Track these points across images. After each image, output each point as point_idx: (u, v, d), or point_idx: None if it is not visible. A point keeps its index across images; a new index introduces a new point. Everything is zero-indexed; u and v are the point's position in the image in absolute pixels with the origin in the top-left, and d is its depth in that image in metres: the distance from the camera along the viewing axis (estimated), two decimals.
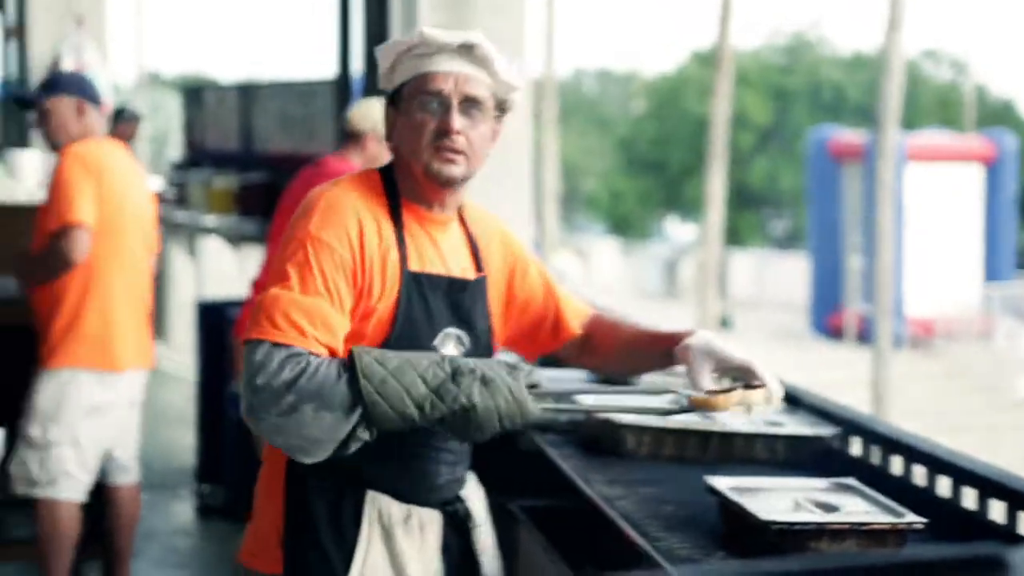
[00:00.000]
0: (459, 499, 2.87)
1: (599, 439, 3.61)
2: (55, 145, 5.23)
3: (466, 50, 2.66)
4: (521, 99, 2.80)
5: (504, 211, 7.32)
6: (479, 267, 2.80)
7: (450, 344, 2.70)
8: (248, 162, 9.10)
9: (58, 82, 5.30)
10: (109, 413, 5.19)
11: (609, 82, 52.76)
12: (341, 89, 8.17)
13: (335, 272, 2.54)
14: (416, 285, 2.65)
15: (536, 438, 3.74)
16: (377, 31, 7.50)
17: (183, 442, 8.22)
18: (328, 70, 8.21)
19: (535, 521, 3.58)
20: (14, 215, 5.83)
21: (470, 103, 2.65)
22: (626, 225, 41.97)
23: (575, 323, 2.98)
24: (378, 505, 2.68)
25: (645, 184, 41.31)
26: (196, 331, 7.41)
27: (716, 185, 21.97)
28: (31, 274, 5.12)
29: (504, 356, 3.02)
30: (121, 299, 5.18)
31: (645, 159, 41.05)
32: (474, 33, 2.67)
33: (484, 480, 4.21)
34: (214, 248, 10.68)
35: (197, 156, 10.08)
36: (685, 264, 36.74)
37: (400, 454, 2.69)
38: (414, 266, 2.65)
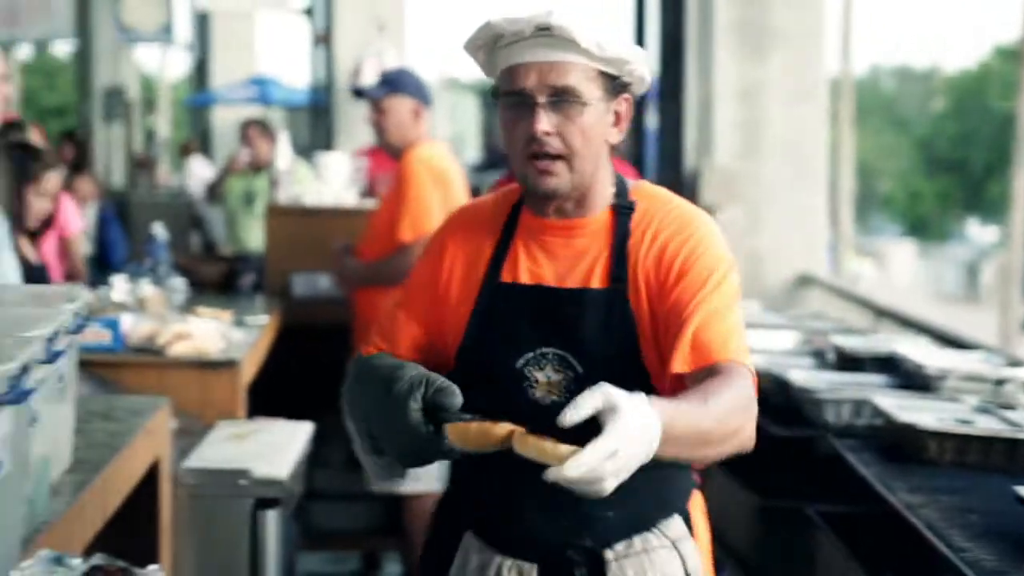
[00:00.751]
0: (584, 549, 2.30)
1: (900, 445, 3.54)
2: (388, 145, 5.24)
3: (544, 33, 2.23)
4: (646, 72, 2.33)
5: (799, 213, 7.26)
6: (614, 276, 2.29)
7: (548, 367, 2.27)
8: None
9: (398, 80, 5.23)
10: None
11: (908, 79, 51.35)
12: None
13: (419, 281, 2.41)
14: (497, 297, 2.32)
15: (835, 443, 3.69)
16: (672, 31, 7.50)
17: None
18: (651, 70, 8.24)
19: (833, 527, 3.53)
20: (322, 216, 6.06)
21: (560, 96, 2.22)
22: (924, 227, 40.81)
23: (679, 361, 2.18)
24: (466, 547, 2.37)
25: (944, 184, 40.11)
26: None
27: (1021, 185, 21.14)
28: (366, 279, 5.17)
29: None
30: None
31: (945, 158, 39.85)
32: (551, 9, 2.22)
33: (781, 484, 4.19)
34: None
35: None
36: (986, 267, 35.50)
37: (490, 491, 2.34)
38: (506, 277, 2.33)
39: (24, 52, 30.05)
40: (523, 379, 2.27)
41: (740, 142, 7.29)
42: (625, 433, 1.80)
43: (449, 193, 5.05)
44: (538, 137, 2.22)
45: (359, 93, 5.64)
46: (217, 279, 5.94)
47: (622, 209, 2.33)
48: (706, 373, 2.14)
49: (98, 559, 1.93)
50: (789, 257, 7.29)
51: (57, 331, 2.10)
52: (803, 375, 4.22)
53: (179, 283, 5.73)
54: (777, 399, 4.23)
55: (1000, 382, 3.85)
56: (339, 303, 5.51)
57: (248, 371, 4.33)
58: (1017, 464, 3.42)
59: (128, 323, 4.29)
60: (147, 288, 5.09)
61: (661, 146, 7.99)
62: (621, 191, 2.36)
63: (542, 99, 2.22)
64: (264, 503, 3.41)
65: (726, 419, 2.05)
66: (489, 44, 2.30)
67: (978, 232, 43.09)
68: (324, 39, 13.39)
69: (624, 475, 1.82)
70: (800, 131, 7.34)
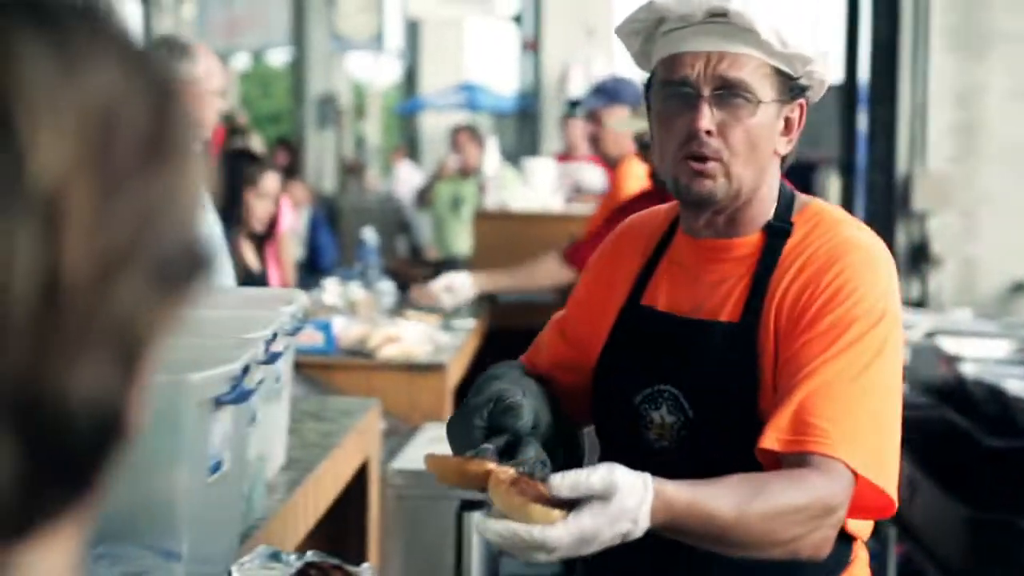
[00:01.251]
0: None
1: None
2: (605, 155, 5.16)
3: (718, 20, 1.94)
4: (827, 75, 2.04)
5: (1018, 218, 7.07)
6: (747, 309, 1.96)
7: (664, 407, 1.98)
8: None
9: (615, 90, 5.11)
10: None
11: None
12: (848, 94, 8.08)
13: (577, 295, 2.21)
14: (632, 322, 2.07)
15: None
16: (887, 34, 7.37)
17: None
18: (835, 74, 8.14)
19: None
20: (528, 221, 6.11)
21: (729, 90, 1.92)
22: None
23: (770, 437, 1.84)
24: None
25: None
26: None
27: None
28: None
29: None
30: None
31: None
32: None
33: (995, 496, 4.07)
34: None
35: None
36: None
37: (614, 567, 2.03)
38: (646, 300, 2.07)
39: (242, 61, 30.95)
40: (640, 417, 2.00)
41: (955, 146, 7.12)
42: (609, 519, 1.63)
43: None
44: (698, 135, 1.92)
45: (575, 104, 5.65)
46: (426, 283, 6.04)
47: (777, 232, 2.00)
48: (794, 461, 1.81)
49: (312, 555, 1.99)
50: (1005, 264, 7.09)
51: (276, 333, 2.17)
52: (1018, 384, 4.10)
53: (388, 287, 5.84)
54: (991, 408, 4.13)
55: None
56: (545, 306, 5.53)
57: (455, 374, 4.39)
58: None
59: (339, 326, 4.40)
60: (357, 291, 5.20)
61: (871, 150, 7.86)
62: (783, 211, 2.03)
63: (707, 92, 1.93)
64: (469, 505, 3.45)
65: (767, 526, 1.74)
66: (649, 29, 2.03)
67: None
68: (532, 46, 13.49)
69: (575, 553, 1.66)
70: (1019, 134, 7.13)
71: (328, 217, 16.47)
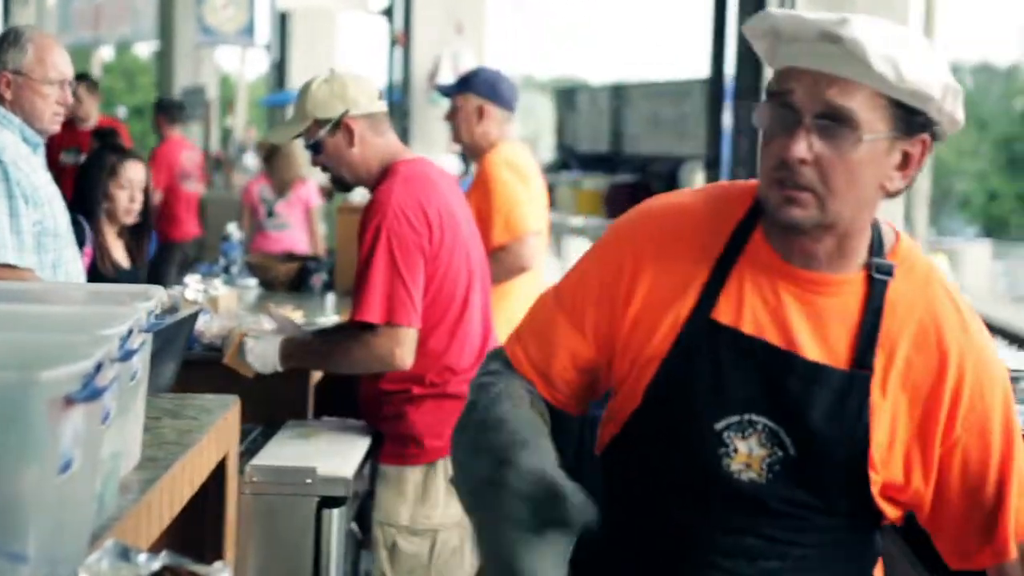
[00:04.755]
0: None
1: None
2: (461, 143, 5.32)
3: (833, 40, 1.81)
4: (958, 110, 1.90)
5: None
6: (859, 359, 1.90)
7: (753, 438, 1.92)
8: (617, 163, 9.23)
9: (469, 78, 5.31)
10: None
11: (989, 77, 50.71)
12: (714, 89, 8.18)
13: (592, 292, 2.05)
14: (708, 338, 1.94)
15: None
16: None
17: None
18: (701, 70, 8.24)
19: None
20: None
21: (833, 119, 1.81)
22: (1002, 228, 40.30)
23: (1013, 546, 1.94)
24: None
25: None
26: None
27: None
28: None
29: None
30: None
31: None
32: (848, 17, 1.80)
33: None
34: (579, 250, 10.88)
35: (567, 158, 10.28)
36: None
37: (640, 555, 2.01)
38: (722, 317, 1.94)
39: (106, 53, 30.42)
40: (720, 444, 1.92)
41: None
42: None
43: (531, 190, 5.10)
44: (791, 164, 1.84)
45: (441, 91, 5.73)
46: (289, 278, 6.00)
47: (879, 271, 1.92)
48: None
49: (165, 558, 1.96)
50: None
51: (131, 329, 2.14)
52: None
53: (251, 282, 5.79)
54: None
55: None
56: None
57: (317, 371, 4.37)
58: None
59: (201, 322, 4.35)
60: (219, 287, 5.15)
61: (735, 145, 7.95)
62: (877, 246, 1.95)
63: (808, 118, 1.83)
64: (329, 502, 3.45)
65: None
66: (769, 36, 1.92)
67: None
68: (402, 40, 13.45)
69: None
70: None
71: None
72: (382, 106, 3.84)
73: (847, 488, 1.91)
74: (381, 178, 3.76)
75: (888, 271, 1.92)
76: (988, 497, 1.92)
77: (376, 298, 3.59)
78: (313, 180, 9.48)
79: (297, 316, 4.83)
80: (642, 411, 1.98)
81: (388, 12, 14.78)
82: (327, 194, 9.33)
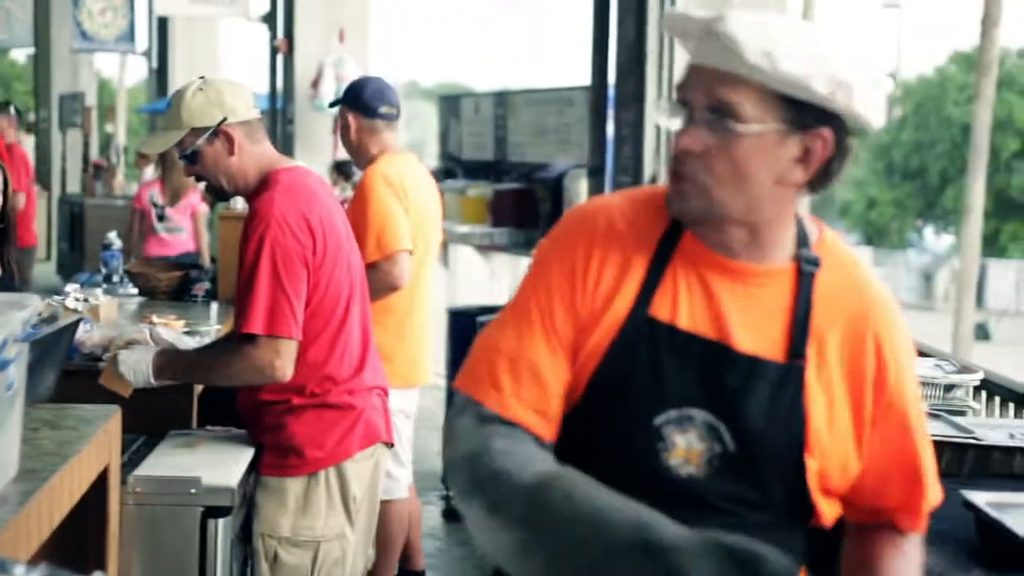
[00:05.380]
0: None
1: None
2: (352, 158, 5.34)
3: (713, 36, 1.86)
4: (860, 102, 1.86)
5: None
6: (794, 350, 1.93)
7: (691, 433, 1.92)
8: (502, 171, 9.24)
9: (345, 92, 5.31)
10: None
11: None
12: (597, 96, 8.23)
13: (559, 303, 1.97)
14: (645, 335, 1.93)
15: None
16: (634, 37, 7.53)
17: (432, 447, 8.40)
18: (583, 77, 8.28)
19: None
20: None
21: (719, 111, 1.85)
22: (881, 234, 41.09)
23: (907, 520, 2.08)
24: None
25: (902, 192, 40.38)
26: (447, 338, 7.50)
27: (977, 193, 21.30)
28: None
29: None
30: (426, 315, 5.28)
31: (902, 166, 40.12)
32: (725, 15, 1.85)
33: None
34: (465, 257, 10.88)
35: (451, 165, 10.28)
36: (942, 274, 35.80)
37: None
38: (660, 313, 1.94)
39: None
40: (659, 439, 1.92)
41: None
42: None
43: (411, 203, 5.05)
44: (679, 156, 1.89)
45: (332, 105, 5.72)
46: (171, 287, 5.92)
47: (807, 263, 1.96)
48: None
49: (44, 570, 1.92)
50: None
51: (6, 339, 2.09)
52: None
53: (132, 291, 5.71)
54: None
55: (950, 387, 3.89)
56: None
57: None
58: (965, 469, 3.45)
59: (81, 331, 4.27)
60: (100, 296, 5.06)
61: (618, 154, 8.01)
62: (802, 239, 1.99)
63: (699, 112, 1.87)
64: (213, 512, 3.40)
65: None
66: (677, 35, 1.97)
67: (934, 240, 43.42)
68: (284, 47, 13.37)
69: None
70: None
71: (72, 219, 16.01)
72: (257, 113, 3.80)
73: (784, 480, 1.93)
74: (260, 187, 3.71)
75: (815, 262, 1.96)
76: (907, 469, 2.02)
77: (259, 310, 3.54)
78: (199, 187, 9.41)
79: (179, 325, 4.77)
80: (583, 406, 1.96)
81: (270, 19, 14.67)
82: (210, 202, 9.28)
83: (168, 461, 3.56)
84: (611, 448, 1.94)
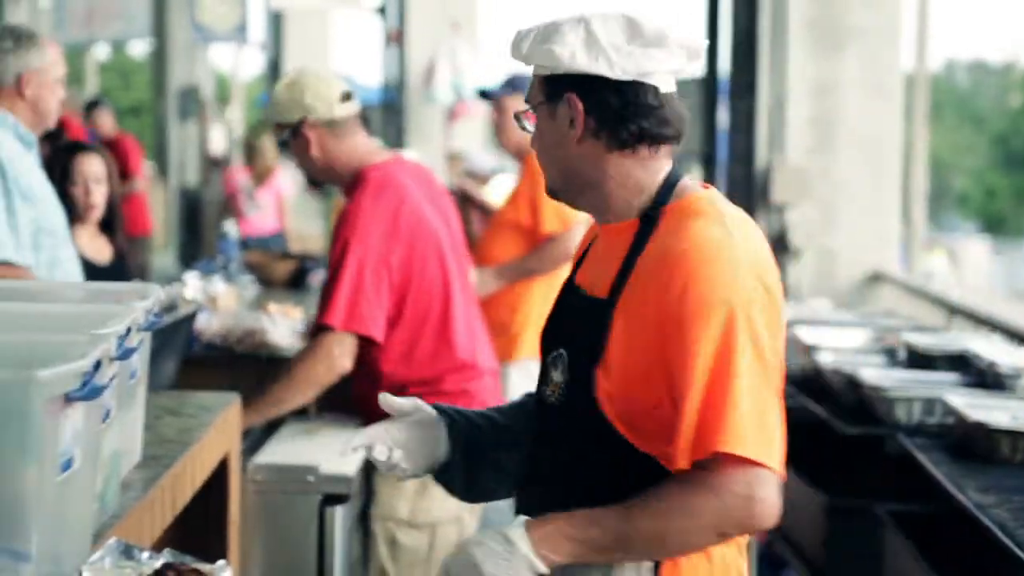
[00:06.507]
0: None
1: (971, 444, 3.50)
2: (508, 143, 5.44)
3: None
4: (581, 58, 2.13)
5: (873, 210, 7.21)
6: (612, 289, 2.16)
7: (559, 368, 2.23)
8: None
9: (514, 81, 5.38)
10: None
11: (984, 74, 50.73)
12: (708, 88, 8.17)
13: None
14: (564, 295, 2.32)
15: (905, 442, 3.66)
16: (746, 28, 7.47)
17: None
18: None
19: (903, 527, 3.51)
20: None
21: (528, 101, 2.25)
22: (999, 224, 40.33)
23: (683, 457, 2.06)
24: None
25: (1021, 181, 39.62)
26: None
27: None
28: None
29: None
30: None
31: (1021, 154, 39.36)
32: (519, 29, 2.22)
33: (851, 483, 4.16)
34: None
35: None
36: None
37: None
38: (576, 277, 2.31)
39: (101, 52, 30.39)
40: (546, 376, 2.25)
41: (813, 139, 7.25)
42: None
43: None
44: None
45: (483, 95, 5.79)
46: (286, 277, 5.98)
47: (646, 220, 2.17)
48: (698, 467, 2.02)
49: (167, 556, 1.95)
50: (861, 255, 7.23)
51: (130, 328, 2.13)
52: (874, 373, 4.19)
53: (249, 280, 5.78)
54: (847, 397, 4.21)
55: None
56: None
57: None
58: None
59: (200, 320, 4.34)
60: (219, 285, 5.13)
61: (732, 143, 7.96)
62: (661, 200, 2.18)
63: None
64: (332, 499, 3.43)
65: (656, 535, 2.04)
66: None
67: None
68: (396, 38, 13.43)
69: None
70: (875, 127, 7.27)
71: (190, 209, 16.25)
72: (346, 110, 3.82)
73: (588, 407, 2.12)
74: (352, 183, 3.80)
75: (653, 219, 2.15)
76: (681, 413, 2.03)
77: (339, 305, 3.64)
78: (284, 167, 10.50)
79: (296, 314, 4.82)
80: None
81: (382, 10, 14.74)
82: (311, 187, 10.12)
83: (287, 448, 3.60)
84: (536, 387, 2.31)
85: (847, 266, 7.24)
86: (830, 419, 4.16)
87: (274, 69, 22.03)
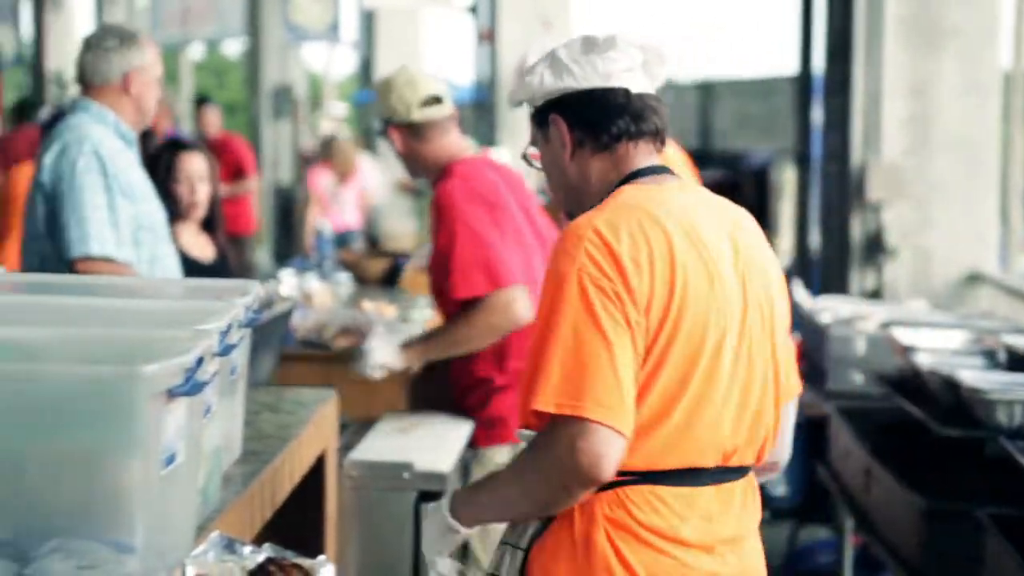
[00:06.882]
0: None
1: None
2: None
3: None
4: (546, 79, 2.37)
5: (970, 210, 7.10)
6: None
7: None
8: (706, 160, 9.17)
9: None
10: None
11: None
12: (802, 86, 8.11)
13: None
14: None
15: (1007, 445, 3.60)
16: (841, 25, 7.40)
17: None
18: (789, 66, 8.16)
19: (1004, 531, 3.45)
20: None
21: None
22: None
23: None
24: None
25: None
26: None
27: None
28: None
29: None
30: None
31: None
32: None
33: (950, 486, 4.10)
34: None
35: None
36: None
37: None
38: None
39: (196, 52, 30.74)
40: None
41: (909, 138, 7.16)
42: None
43: None
44: None
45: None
46: (380, 275, 6.02)
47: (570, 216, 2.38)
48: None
49: (269, 550, 1.97)
50: (958, 255, 7.13)
51: (231, 324, 2.15)
52: (973, 375, 4.12)
53: (344, 278, 5.82)
54: (946, 399, 4.15)
55: None
56: None
57: None
58: None
59: (296, 317, 4.37)
60: (314, 283, 5.17)
61: (826, 141, 7.88)
62: (603, 196, 2.33)
63: None
64: (428, 496, 3.44)
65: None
66: None
67: None
68: (488, 36, 13.45)
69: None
70: (972, 126, 7.17)
71: (284, 207, 16.38)
72: (426, 114, 3.91)
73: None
74: (439, 177, 3.95)
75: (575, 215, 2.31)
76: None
77: (473, 272, 3.74)
78: (370, 165, 11.12)
79: (391, 311, 4.84)
80: None
81: (474, 9, 14.77)
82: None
83: (382, 445, 3.62)
84: None
85: (943, 266, 7.14)
86: (927, 421, 4.10)
87: (366, 68, 22.17)
